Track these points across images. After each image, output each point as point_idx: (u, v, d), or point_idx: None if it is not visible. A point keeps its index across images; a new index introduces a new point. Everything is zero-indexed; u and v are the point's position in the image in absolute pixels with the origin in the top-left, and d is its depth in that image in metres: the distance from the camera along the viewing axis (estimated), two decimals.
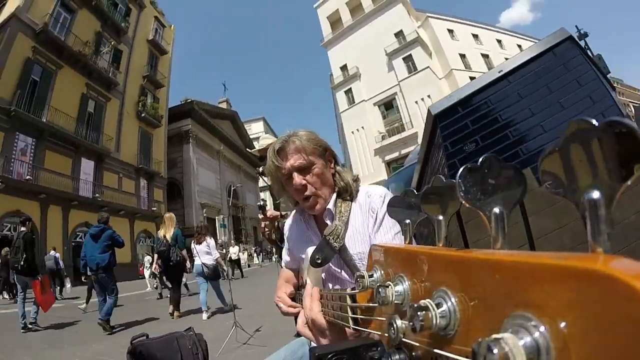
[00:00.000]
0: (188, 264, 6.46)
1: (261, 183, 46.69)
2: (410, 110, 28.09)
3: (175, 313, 6.18)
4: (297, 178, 1.11)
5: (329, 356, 0.49)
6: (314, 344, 0.89)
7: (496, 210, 0.28)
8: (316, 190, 1.13)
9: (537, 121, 2.35)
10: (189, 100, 30.43)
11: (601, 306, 0.16)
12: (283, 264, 1.43)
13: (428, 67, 28.64)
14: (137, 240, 21.32)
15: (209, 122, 32.10)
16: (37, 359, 4.23)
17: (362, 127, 30.22)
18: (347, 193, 1.16)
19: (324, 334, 0.71)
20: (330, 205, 1.14)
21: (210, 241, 6.26)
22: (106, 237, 5.57)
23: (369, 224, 1.10)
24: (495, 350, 0.19)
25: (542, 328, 0.19)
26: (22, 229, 5.95)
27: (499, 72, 2.56)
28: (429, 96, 26.86)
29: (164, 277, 7.06)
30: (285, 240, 1.40)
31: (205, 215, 28.61)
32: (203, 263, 5.90)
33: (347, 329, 0.65)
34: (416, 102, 27.78)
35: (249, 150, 3.33)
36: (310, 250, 1.04)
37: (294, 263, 1.37)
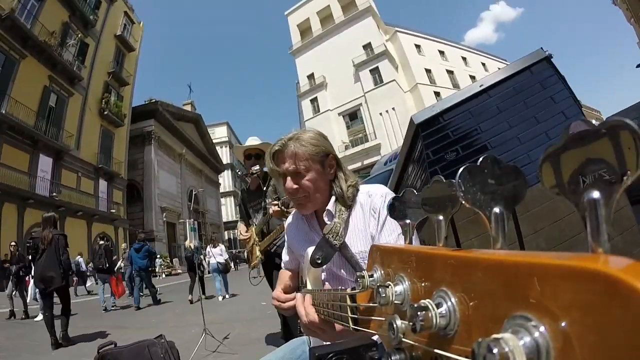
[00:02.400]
0: (205, 264, 9.18)
1: (222, 189, 45.96)
2: (375, 122, 28.68)
3: (189, 297, 8.28)
4: (289, 182, 1.14)
5: (329, 356, 0.50)
6: (313, 344, 0.96)
7: (496, 210, 0.29)
8: (307, 195, 1.15)
9: (515, 133, 2.49)
10: (154, 101, 29.45)
11: (601, 306, 0.16)
12: (282, 264, 1.45)
13: (394, 80, 29.39)
14: (95, 243, 20.17)
15: (172, 124, 31.21)
16: None
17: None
18: (343, 199, 1.16)
19: (323, 331, 0.80)
20: (330, 206, 1.16)
21: (222, 246, 8.92)
22: (144, 250, 8.71)
23: (370, 224, 1.10)
24: (495, 351, 0.19)
25: (542, 328, 0.19)
26: (101, 242, 8.96)
27: (480, 86, 2.67)
28: (393, 108, 27.74)
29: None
30: (286, 239, 1.41)
31: (165, 219, 27.72)
32: (218, 262, 8.48)
33: (336, 324, 0.69)
34: (380, 114, 28.42)
35: (239, 146, 3.39)
36: (311, 250, 1.06)
37: (293, 263, 1.39)
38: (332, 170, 1.19)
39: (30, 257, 5.87)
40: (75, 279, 13.16)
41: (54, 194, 17.38)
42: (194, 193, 22.82)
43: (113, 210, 22.15)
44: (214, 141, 43.28)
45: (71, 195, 18.76)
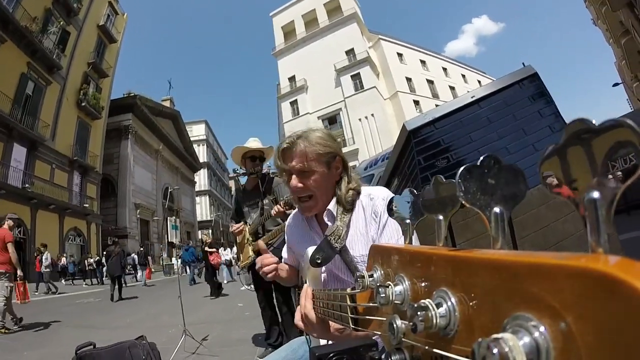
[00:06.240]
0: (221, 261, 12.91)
1: (198, 187, 45.34)
2: (353, 127, 28.94)
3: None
4: (294, 180, 1.14)
5: (329, 356, 0.50)
6: (314, 344, 0.96)
7: (496, 210, 0.28)
8: (312, 195, 1.15)
9: (504, 144, 2.58)
10: (132, 94, 28.98)
11: (601, 306, 0.16)
12: (282, 261, 1.45)
13: (375, 87, 29.79)
14: (67, 238, 19.74)
15: (150, 119, 30.78)
16: None
17: None
18: (344, 202, 1.15)
19: (314, 327, 0.81)
20: (331, 206, 1.15)
21: (229, 249, 13.11)
22: (191, 252, 14.33)
23: (371, 227, 1.09)
24: (495, 350, 0.19)
25: (542, 328, 0.19)
26: (141, 249, 16.63)
27: (472, 97, 2.78)
28: (372, 115, 28.15)
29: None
30: (286, 239, 1.42)
31: (138, 216, 27.25)
32: (225, 259, 12.41)
33: (331, 323, 0.72)
34: (360, 119, 28.73)
35: (240, 146, 3.25)
36: (311, 250, 1.06)
37: (292, 260, 1.41)
38: (338, 172, 1.18)
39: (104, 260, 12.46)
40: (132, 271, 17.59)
41: (27, 185, 16.84)
42: (169, 190, 22.54)
43: (86, 205, 21.61)
44: (192, 139, 42.78)
45: (44, 188, 18.22)
